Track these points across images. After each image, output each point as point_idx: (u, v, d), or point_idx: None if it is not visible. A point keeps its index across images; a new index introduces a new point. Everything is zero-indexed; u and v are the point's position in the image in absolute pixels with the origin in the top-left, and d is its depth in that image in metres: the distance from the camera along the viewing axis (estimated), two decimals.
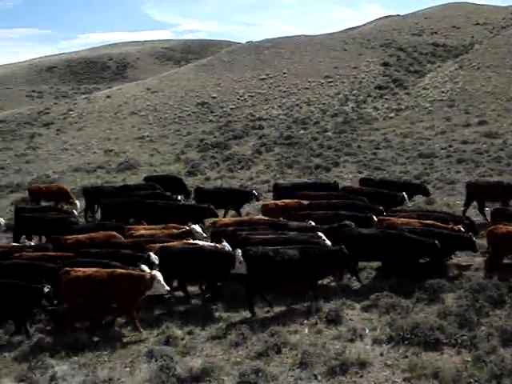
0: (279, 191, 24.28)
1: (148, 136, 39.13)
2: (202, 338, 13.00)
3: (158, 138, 38.77)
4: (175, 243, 16.55)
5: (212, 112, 43.96)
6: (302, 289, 15.08)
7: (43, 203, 25.17)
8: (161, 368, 11.29)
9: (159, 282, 13.54)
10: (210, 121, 42.25)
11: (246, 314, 14.20)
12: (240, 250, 14.76)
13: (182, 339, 12.87)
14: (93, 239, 17.82)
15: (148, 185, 25.72)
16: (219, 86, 49.71)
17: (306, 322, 13.46)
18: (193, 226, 18.33)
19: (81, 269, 14.14)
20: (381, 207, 20.43)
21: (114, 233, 18.30)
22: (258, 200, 23.67)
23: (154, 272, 13.74)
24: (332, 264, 15.11)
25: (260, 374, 10.83)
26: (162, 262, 14.99)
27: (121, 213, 22.16)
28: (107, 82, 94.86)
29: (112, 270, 14.10)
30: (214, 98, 46.87)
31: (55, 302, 14.29)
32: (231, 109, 44.28)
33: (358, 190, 23.60)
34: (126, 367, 11.91)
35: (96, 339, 13.29)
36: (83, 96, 58.81)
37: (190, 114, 43.62)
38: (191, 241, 16.98)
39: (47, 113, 49.05)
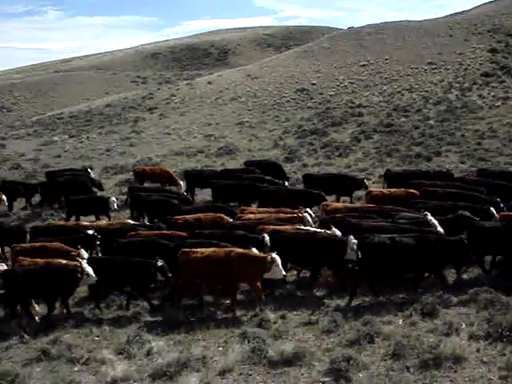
0: (390, 178, 23.75)
1: (247, 122, 39.51)
2: (294, 322, 13.11)
3: (257, 124, 39.06)
4: (287, 227, 16.63)
5: (311, 98, 43.78)
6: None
7: (146, 184, 26.09)
8: (253, 350, 11.48)
9: (278, 265, 13.71)
10: (309, 107, 42.08)
11: (341, 301, 14.17)
12: (352, 237, 14.72)
13: (275, 323, 13.02)
14: (200, 220, 18.31)
15: (248, 169, 25.97)
16: (319, 72, 49.38)
17: (400, 313, 13.25)
18: (305, 212, 18.34)
19: (199, 249, 14.49)
20: (498, 199, 19.43)
21: (222, 215, 18.64)
22: (366, 189, 22.81)
23: (274, 255, 13.83)
24: (450, 255, 14.58)
25: (351, 362, 10.78)
26: (274, 246, 15.12)
27: (232, 195, 22.62)
28: (209, 68, 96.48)
29: (230, 250, 14.34)
30: (313, 84, 46.64)
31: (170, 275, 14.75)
32: (330, 95, 43.90)
33: (474, 181, 22.58)
34: (219, 347, 12.21)
35: (191, 318, 13.73)
36: (185, 82, 60.12)
37: (289, 101, 43.64)
38: (302, 226, 17.04)
39: (151, 98, 50.54)
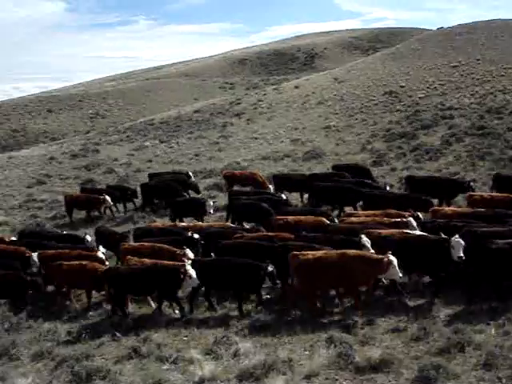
0: (501, 182, 22.74)
1: (334, 126, 39.23)
2: (382, 328, 12.88)
3: (344, 128, 38.72)
4: (393, 231, 16.30)
5: (400, 101, 42.93)
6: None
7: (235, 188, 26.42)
8: (339, 354, 11.40)
9: (395, 267, 13.47)
10: (398, 110, 41.29)
11: (429, 307, 13.82)
12: (456, 237, 14.27)
13: (362, 328, 12.86)
14: (301, 222, 18.36)
15: (337, 173, 25.74)
16: (408, 74, 48.40)
17: (491, 322, 12.75)
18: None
19: (310, 252, 14.44)
20: None
21: (323, 218, 18.62)
22: (473, 191, 21.78)
23: (391, 256, 13.61)
24: None
25: (440, 370, 10.49)
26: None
27: (331, 198, 22.51)
28: (296, 73, 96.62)
29: (343, 251, 14.18)
30: (402, 86, 45.75)
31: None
32: (420, 98, 42.89)
33: None
34: (305, 350, 12.18)
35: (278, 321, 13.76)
36: (272, 87, 60.46)
37: (376, 104, 43.01)
38: (407, 230, 16.59)
39: (238, 103, 51.15)
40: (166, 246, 17.23)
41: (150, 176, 28.99)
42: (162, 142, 39.86)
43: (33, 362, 13.34)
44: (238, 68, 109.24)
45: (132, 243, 18.65)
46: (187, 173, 28.54)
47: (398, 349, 11.85)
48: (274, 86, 59.13)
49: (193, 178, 27.98)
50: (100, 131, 55.23)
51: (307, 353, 12.04)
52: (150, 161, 34.95)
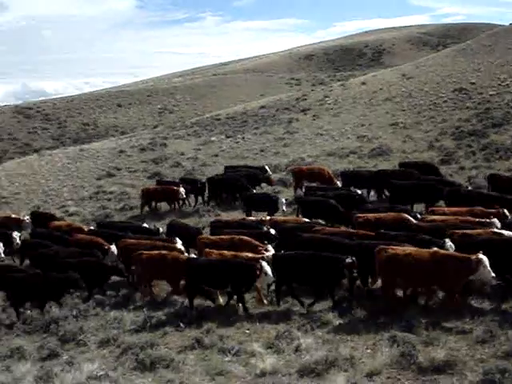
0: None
1: (402, 122, 38.61)
2: (446, 330, 12.62)
3: (412, 125, 38.05)
4: (479, 231, 15.81)
5: (470, 98, 41.84)
6: None
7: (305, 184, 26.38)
8: (402, 354, 11.24)
9: (486, 267, 13.11)
10: (467, 107, 40.26)
11: (496, 310, 13.46)
12: None
13: (426, 329, 12.63)
14: (381, 219, 18.14)
15: (406, 171, 25.31)
16: (478, 71, 47.07)
17: None
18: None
19: (398, 247, 14.18)
20: None
21: (405, 215, 18.26)
22: None
23: (481, 255, 13.20)
24: None
25: (506, 374, 10.17)
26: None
27: (409, 196, 22.15)
28: (363, 69, 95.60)
29: (435, 250, 13.87)
30: (472, 83, 44.55)
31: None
32: (491, 95, 41.67)
33: None
34: (367, 348, 12.08)
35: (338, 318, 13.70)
36: (339, 83, 59.99)
37: (446, 101, 42.03)
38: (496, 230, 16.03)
39: (304, 99, 51.01)
40: (246, 238, 17.42)
41: (226, 169, 29.32)
42: (227, 137, 40.22)
43: (99, 348, 13.80)
44: (305, 64, 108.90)
45: (209, 236, 18.84)
46: (263, 167, 28.67)
47: (462, 351, 11.59)
48: (341, 82, 58.65)
49: (269, 173, 28.07)
50: (168, 126, 56.16)
51: (369, 351, 11.94)
52: (216, 155, 35.33)
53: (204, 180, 27.44)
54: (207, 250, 16.79)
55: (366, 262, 14.51)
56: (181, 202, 26.26)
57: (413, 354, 11.19)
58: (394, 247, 14.14)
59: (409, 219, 17.96)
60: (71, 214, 26.96)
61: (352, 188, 23.61)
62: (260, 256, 15.70)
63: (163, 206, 26.86)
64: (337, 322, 13.46)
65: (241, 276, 14.80)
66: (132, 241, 19.02)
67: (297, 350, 12.12)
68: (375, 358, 11.43)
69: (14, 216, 25.19)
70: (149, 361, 12.21)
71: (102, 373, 11.93)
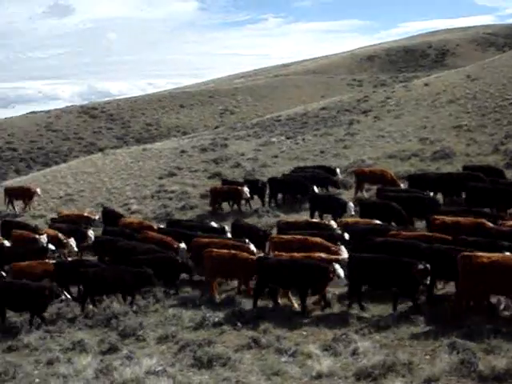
0: None
1: (465, 125, 37.72)
2: (508, 338, 12.27)
3: (476, 128, 37.08)
4: None
5: None
6: None
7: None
8: (462, 361, 11.01)
9: None
10: None
11: None
12: None
13: (488, 337, 12.31)
14: (459, 223, 17.66)
15: (471, 174, 24.62)
16: None
17: None
18: None
19: (483, 254, 13.61)
20: None
21: (484, 220, 17.70)
22: None
23: None
24: None
25: None
26: None
27: (486, 200, 21.45)
28: (426, 70, 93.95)
29: None
30: None
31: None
32: None
33: None
34: (426, 354, 11.89)
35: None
36: (401, 84, 59.15)
37: None
38: None
39: (366, 100, 50.49)
40: (319, 239, 17.34)
41: (294, 169, 29.28)
42: (288, 138, 40.18)
43: (158, 344, 14.07)
44: (366, 65, 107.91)
45: (283, 236, 18.71)
46: (334, 169, 28.13)
47: None
48: (403, 84, 57.83)
49: (339, 176, 27.51)
50: (229, 126, 56.58)
51: (428, 357, 11.75)
52: (276, 156, 35.34)
53: (265, 181, 27.35)
54: (276, 252, 16.90)
55: (440, 267, 14.22)
56: (244, 202, 26.29)
57: (473, 362, 10.95)
58: (480, 254, 13.60)
59: (488, 224, 17.37)
60: (133, 212, 27.51)
61: (426, 192, 23.06)
62: (334, 258, 15.58)
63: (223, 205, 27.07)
64: (395, 326, 13.29)
65: (313, 277, 14.72)
66: (204, 240, 19.19)
67: (354, 353, 12.04)
68: (434, 364, 11.24)
69: (86, 214, 25.89)
70: (206, 358, 12.37)
71: (160, 368, 12.15)
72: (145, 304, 16.75)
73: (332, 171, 27.74)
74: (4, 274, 18.77)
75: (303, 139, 38.87)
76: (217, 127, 64.07)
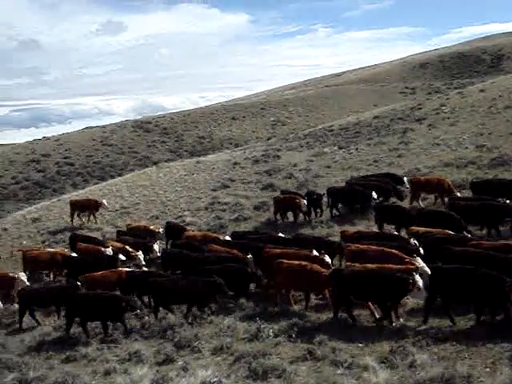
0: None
1: None
2: None
3: None
4: None
5: None
6: None
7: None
8: None
9: None
10: None
11: None
12: None
13: None
14: None
15: None
16: None
17: None
18: None
19: None
20: None
21: None
22: None
23: None
24: None
25: None
26: None
27: None
28: (481, 76, 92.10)
29: None
30: None
31: None
32: None
33: None
34: (486, 367, 11.57)
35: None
36: (456, 91, 58.11)
37: None
38: None
39: (420, 108, 49.79)
40: (394, 251, 16.98)
41: (361, 177, 28.90)
42: (340, 148, 39.97)
43: (213, 355, 14.12)
44: (419, 72, 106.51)
45: (358, 245, 18.21)
46: (401, 177, 27.15)
47: None
48: (458, 90, 56.80)
49: (406, 186, 26.40)
50: (281, 138, 56.67)
51: (488, 370, 11.43)
52: (329, 167, 35.18)
53: (322, 192, 26.71)
54: (348, 263, 16.70)
55: None
56: (300, 213, 26.00)
57: None
58: None
59: None
60: (187, 224, 27.75)
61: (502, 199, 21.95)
62: (414, 268, 15.09)
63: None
64: (454, 338, 13.00)
65: (391, 289, 14.35)
66: (276, 250, 19.06)
67: (411, 365, 11.82)
68: (494, 377, 10.94)
69: (151, 227, 26.23)
70: (261, 370, 12.34)
71: (215, 379, 12.19)
72: (200, 315, 16.87)
73: (399, 180, 26.95)
74: (79, 283, 19.08)
75: (356, 149, 38.58)
76: (269, 138, 64.23)
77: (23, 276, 20.66)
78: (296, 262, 17.09)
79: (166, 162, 54.10)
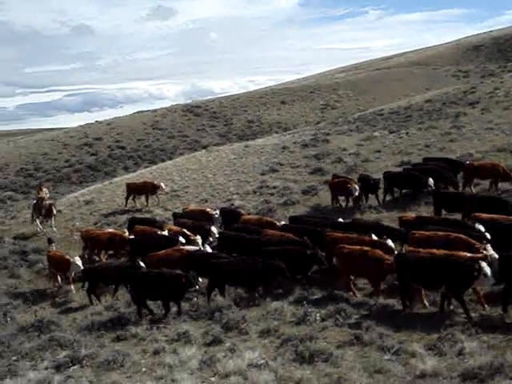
0: None
1: None
2: None
3: None
4: None
5: None
6: None
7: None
8: None
9: None
10: None
11: None
12: None
13: None
14: None
15: None
16: None
17: None
18: None
19: None
20: None
21: None
22: None
23: None
24: None
25: None
26: None
27: None
28: None
29: None
30: None
31: None
32: None
33: None
34: None
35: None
36: (510, 74, 56.56)
37: None
38: None
39: (473, 92, 48.74)
40: (463, 236, 16.49)
41: (424, 160, 28.23)
42: (391, 133, 39.45)
43: (260, 337, 14.25)
44: (473, 55, 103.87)
45: (423, 231, 17.71)
46: (463, 163, 25.97)
47: None
48: None
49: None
50: (330, 122, 56.24)
51: None
52: (379, 151, 34.78)
53: (378, 177, 26.11)
54: (410, 248, 16.35)
55: None
56: (352, 198, 25.64)
57: None
58: None
59: None
60: (236, 208, 27.96)
61: None
62: (480, 256, 14.67)
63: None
64: (504, 326, 12.79)
65: (456, 276, 13.88)
66: (339, 235, 18.84)
67: (460, 353, 11.69)
68: None
69: (207, 210, 26.03)
70: (308, 353, 12.40)
71: (262, 361, 12.33)
72: (248, 298, 17.02)
73: (459, 165, 25.99)
74: (142, 264, 19.32)
75: (407, 133, 38.04)
76: (318, 123, 63.83)
77: (78, 260, 21.10)
78: (357, 247, 16.82)
79: (215, 145, 54.43)
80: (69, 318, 18.47)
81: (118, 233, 24.02)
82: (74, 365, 13.72)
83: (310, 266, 18.21)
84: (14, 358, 14.95)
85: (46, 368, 13.77)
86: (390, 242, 17.55)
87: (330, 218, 22.41)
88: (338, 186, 26.07)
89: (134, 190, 31.10)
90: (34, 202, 29.71)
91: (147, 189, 30.83)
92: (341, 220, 21.78)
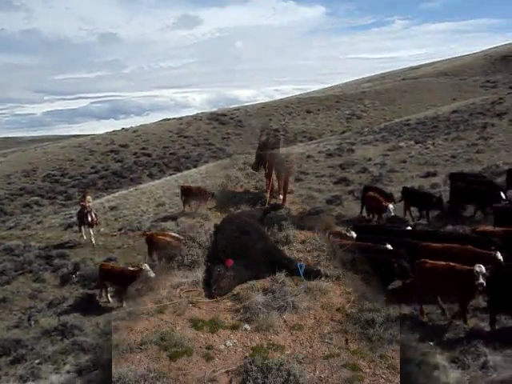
0: None
1: None
2: None
3: None
4: None
5: None
6: None
7: None
8: None
9: None
10: None
11: None
12: None
13: None
14: None
15: None
16: None
17: None
18: None
19: None
20: None
21: None
22: None
23: None
24: None
25: None
26: None
27: None
28: None
29: None
30: None
31: None
32: None
33: None
34: None
35: None
36: None
37: None
38: None
39: (501, 103, 48.31)
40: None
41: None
42: (417, 143, 39.23)
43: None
44: (501, 65, 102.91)
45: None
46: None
47: None
48: None
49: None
50: (355, 131, 56.13)
51: None
52: (405, 161, 34.58)
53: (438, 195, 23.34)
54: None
55: None
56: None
57: None
58: None
59: None
60: None
61: None
62: None
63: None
64: None
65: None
66: (437, 245, 16.12)
67: (483, 366, 11.51)
68: None
69: None
70: None
71: None
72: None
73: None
74: None
75: (433, 144, 37.80)
76: (343, 132, 63.73)
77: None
78: (442, 263, 13.82)
79: (239, 154, 54.58)
80: (92, 323, 18.60)
81: (177, 236, 22.46)
82: (96, 369, 13.81)
83: (393, 276, 15.87)
84: (37, 361, 15.10)
85: (69, 372, 13.88)
86: (498, 255, 14.56)
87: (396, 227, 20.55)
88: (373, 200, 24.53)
89: (187, 194, 29.35)
90: (78, 210, 29.71)
91: (199, 195, 29.62)
92: (409, 228, 19.76)
